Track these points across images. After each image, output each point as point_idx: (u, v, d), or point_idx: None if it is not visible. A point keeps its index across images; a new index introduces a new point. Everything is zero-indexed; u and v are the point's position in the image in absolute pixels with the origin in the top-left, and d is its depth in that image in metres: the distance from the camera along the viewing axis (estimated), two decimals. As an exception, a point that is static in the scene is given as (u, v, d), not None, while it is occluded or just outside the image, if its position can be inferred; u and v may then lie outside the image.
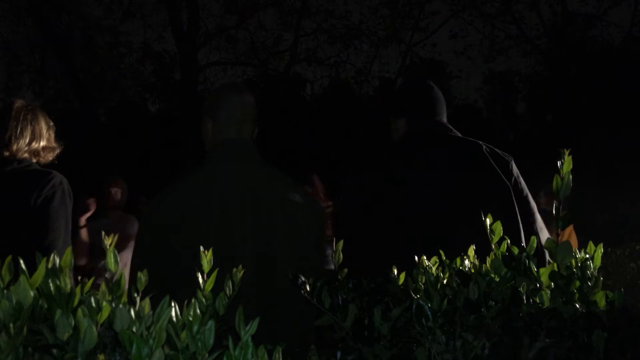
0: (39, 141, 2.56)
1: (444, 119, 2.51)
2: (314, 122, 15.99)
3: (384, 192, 2.35)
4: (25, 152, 2.51)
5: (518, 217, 2.27)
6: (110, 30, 15.67)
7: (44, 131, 2.59)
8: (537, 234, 2.26)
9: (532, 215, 2.33)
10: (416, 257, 1.48)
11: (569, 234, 4.27)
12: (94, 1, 15.26)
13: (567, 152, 1.45)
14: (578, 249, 1.43)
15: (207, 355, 0.97)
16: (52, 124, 2.66)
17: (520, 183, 2.36)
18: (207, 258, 1.27)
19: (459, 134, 2.47)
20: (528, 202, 2.34)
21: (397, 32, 16.11)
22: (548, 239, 1.39)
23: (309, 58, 16.54)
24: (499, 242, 1.45)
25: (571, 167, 1.44)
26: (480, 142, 2.44)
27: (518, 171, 2.39)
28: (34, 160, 2.55)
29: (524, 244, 1.70)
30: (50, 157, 2.63)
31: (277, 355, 1.01)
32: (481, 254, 1.49)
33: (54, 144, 2.64)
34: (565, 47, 14.97)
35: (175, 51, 15.27)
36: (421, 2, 15.89)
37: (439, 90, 2.56)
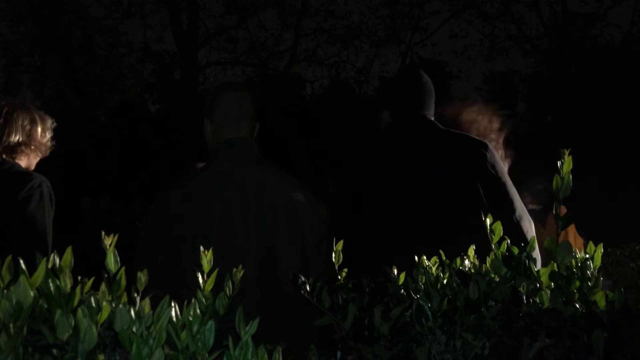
0: (15, 136, 2.48)
1: (429, 112, 2.47)
2: (314, 122, 15.98)
3: (366, 189, 2.35)
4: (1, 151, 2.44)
5: (487, 206, 2.20)
6: (110, 30, 15.67)
7: (27, 126, 2.51)
8: (516, 224, 2.22)
9: (510, 204, 2.27)
10: (414, 257, 1.48)
11: (574, 234, 4.24)
12: (94, 1, 15.27)
13: (567, 152, 1.45)
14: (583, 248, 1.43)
15: (207, 355, 0.97)
16: (39, 120, 2.56)
17: (496, 170, 2.30)
18: (207, 258, 1.27)
19: (440, 127, 2.43)
20: (505, 191, 2.29)
21: (397, 32, 16.09)
22: (547, 238, 1.38)
23: (309, 58, 16.52)
24: (499, 242, 1.45)
25: (571, 166, 1.44)
26: (456, 132, 2.42)
27: (495, 158, 2.33)
28: (16, 159, 2.48)
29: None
30: (34, 155, 2.55)
31: (277, 355, 1.01)
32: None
33: (39, 140, 2.55)
34: (565, 47, 14.96)
35: (175, 51, 15.27)
36: (421, 2, 15.87)
37: (428, 81, 2.51)
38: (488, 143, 2.38)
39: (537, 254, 2.16)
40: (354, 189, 2.38)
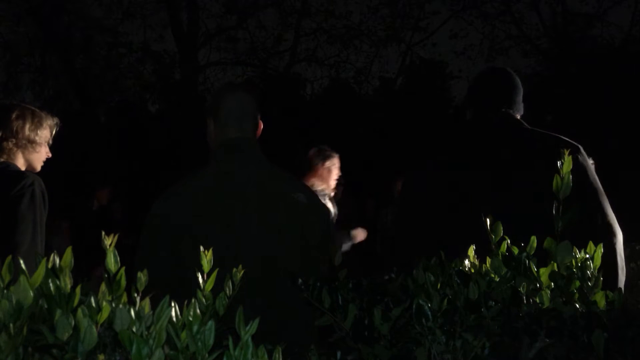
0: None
1: (514, 110, 2.39)
2: (314, 122, 15.97)
3: (443, 189, 2.27)
4: None
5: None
6: (110, 30, 15.65)
7: (13, 122, 2.48)
8: (604, 234, 2.11)
9: (599, 212, 2.17)
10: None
11: None
12: (94, 1, 15.26)
13: (567, 152, 1.45)
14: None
15: (207, 355, 0.97)
16: (29, 117, 2.54)
17: (587, 176, 2.20)
18: (207, 258, 1.27)
19: (527, 126, 2.35)
20: (596, 199, 2.19)
21: (397, 32, 16.09)
22: (548, 238, 1.38)
23: (309, 58, 16.51)
24: (499, 242, 1.44)
25: (571, 167, 1.44)
26: (543, 132, 2.31)
27: (587, 163, 2.23)
28: (9, 158, 2.47)
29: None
30: (28, 152, 2.53)
31: (277, 355, 1.01)
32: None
33: (27, 137, 2.52)
34: (565, 47, 14.96)
35: (175, 51, 15.27)
36: (421, 2, 15.86)
37: (513, 79, 2.44)
38: (580, 146, 2.25)
39: (621, 267, 2.11)
40: (428, 189, 2.30)
